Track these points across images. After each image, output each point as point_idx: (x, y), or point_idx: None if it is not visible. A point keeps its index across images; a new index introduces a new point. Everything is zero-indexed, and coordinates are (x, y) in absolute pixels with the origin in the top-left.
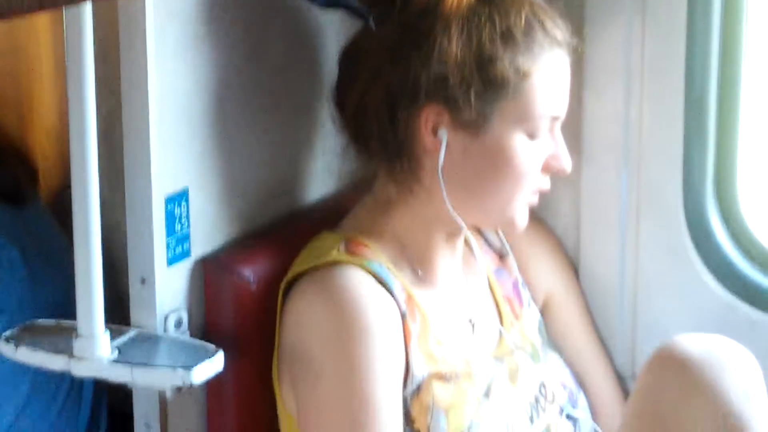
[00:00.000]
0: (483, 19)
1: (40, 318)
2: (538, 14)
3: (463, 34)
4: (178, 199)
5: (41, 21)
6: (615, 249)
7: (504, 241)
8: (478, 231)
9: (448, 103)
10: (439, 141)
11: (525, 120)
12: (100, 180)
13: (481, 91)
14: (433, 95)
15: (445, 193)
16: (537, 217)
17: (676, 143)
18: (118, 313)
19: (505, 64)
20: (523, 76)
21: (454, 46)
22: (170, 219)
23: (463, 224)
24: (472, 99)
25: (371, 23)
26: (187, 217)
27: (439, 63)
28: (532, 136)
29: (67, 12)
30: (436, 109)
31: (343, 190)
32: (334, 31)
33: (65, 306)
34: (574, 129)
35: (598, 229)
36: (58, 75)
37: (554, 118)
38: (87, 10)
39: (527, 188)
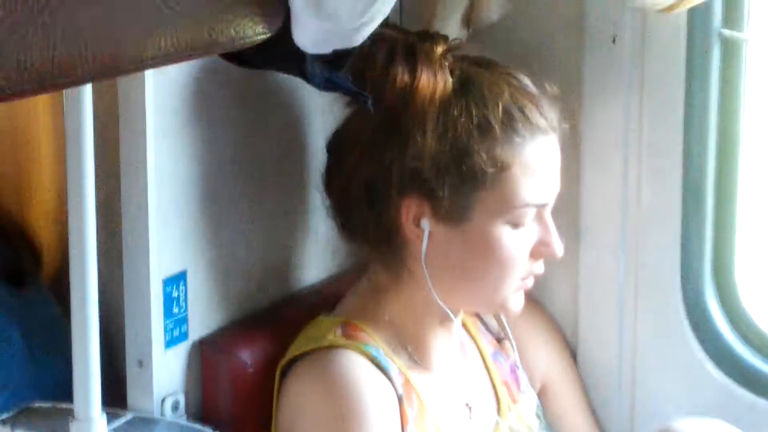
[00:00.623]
0: (459, 111)
1: (39, 398)
2: (518, 102)
3: (438, 127)
4: (176, 281)
5: (41, 102)
6: (613, 332)
7: (505, 324)
8: (476, 314)
9: (426, 196)
10: (422, 231)
11: (507, 210)
12: (98, 262)
13: (458, 183)
14: (410, 188)
15: (429, 283)
16: (534, 300)
17: (674, 225)
18: (115, 395)
19: (482, 156)
20: (501, 167)
21: (428, 140)
22: (168, 301)
23: (451, 313)
24: (450, 191)
25: (369, 106)
26: (185, 299)
27: (414, 158)
28: (516, 225)
29: (67, 93)
30: (417, 201)
31: (339, 274)
32: (331, 113)
33: (65, 387)
34: (571, 210)
35: (595, 313)
36: (58, 157)
37: (540, 206)
38: (87, 91)
39: (515, 276)
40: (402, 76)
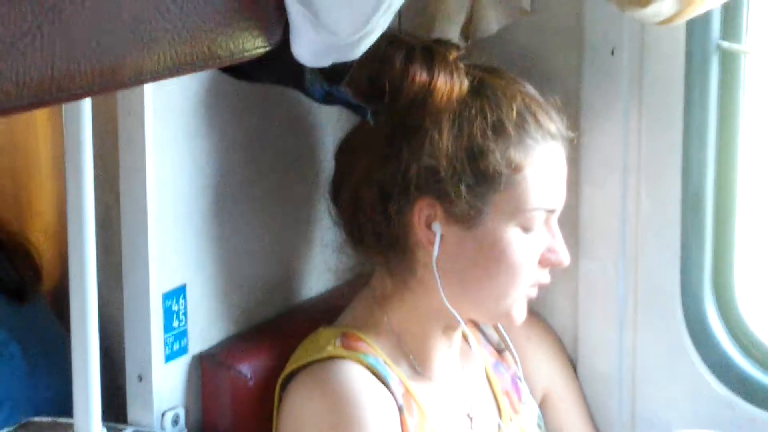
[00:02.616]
0: (474, 112)
1: (40, 413)
2: (530, 107)
3: (453, 127)
4: (176, 295)
5: (40, 116)
6: (613, 344)
7: (505, 335)
8: (476, 325)
9: (440, 197)
10: (433, 234)
11: (518, 213)
12: (98, 276)
13: (473, 184)
14: (425, 189)
15: (440, 286)
16: (535, 312)
17: (674, 238)
18: (115, 409)
19: (496, 157)
20: (515, 169)
21: (444, 139)
22: (168, 315)
23: (459, 317)
24: (464, 192)
25: (369, 118)
26: (185, 313)
27: (430, 156)
28: (526, 229)
29: (65, 107)
30: (429, 203)
31: (340, 286)
32: (331, 125)
33: (65, 402)
34: (571, 222)
35: (595, 324)
36: (57, 171)
37: (549, 211)
38: (86, 105)
39: (524, 282)
40: (420, 75)
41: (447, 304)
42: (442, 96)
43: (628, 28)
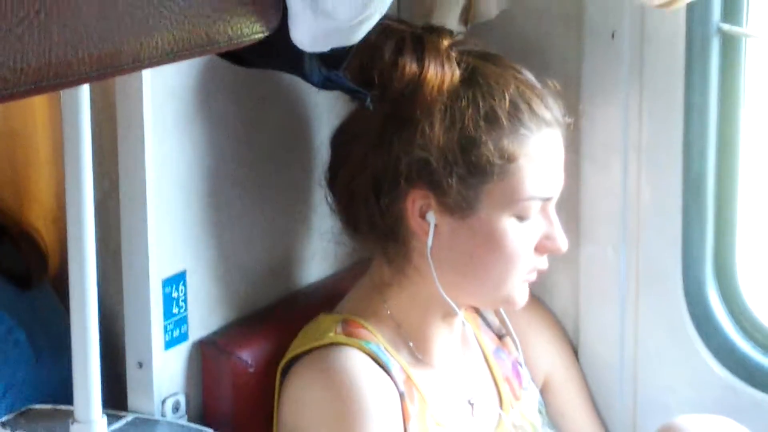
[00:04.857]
0: (466, 102)
1: (46, 399)
2: (524, 95)
3: (445, 118)
4: (176, 281)
5: (38, 103)
6: (614, 328)
7: (506, 320)
8: (477, 311)
9: (433, 187)
10: (428, 224)
11: (513, 203)
12: (97, 263)
13: (466, 174)
14: (417, 179)
15: (435, 276)
16: (535, 296)
17: (675, 221)
18: (115, 396)
19: (489, 147)
20: (508, 159)
21: (436, 130)
22: (167, 302)
23: (455, 306)
24: (457, 183)
25: (368, 104)
26: (185, 299)
27: (422, 148)
28: (521, 218)
29: (64, 94)
30: (422, 193)
31: (340, 272)
32: (330, 111)
33: (71, 387)
34: (572, 206)
35: (597, 308)
36: (55, 158)
37: (545, 200)
38: (84, 91)
39: (520, 270)
40: (410, 66)
41: (442, 293)
42: (433, 87)
43: (629, 11)
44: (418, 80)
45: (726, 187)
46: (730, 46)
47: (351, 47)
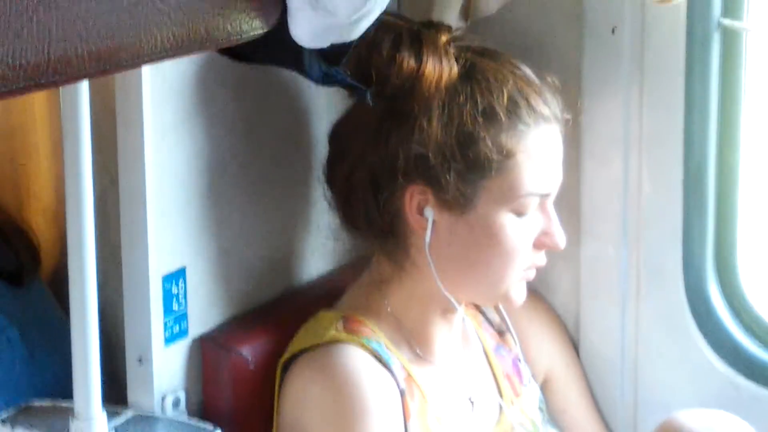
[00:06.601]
0: (464, 98)
1: (39, 397)
2: (523, 90)
3: (443, 114)
4: (176, 277)
5: (37, 99)
6: (615, 324)
7: (506, 317)
8: (477, 308)
9: (431, 183)
10: (425, 220)
11: (511, 199)
12: (96, 259)
13: (463, 170)
14: (415, 175)
15: (434, 272)
16: (536, 292)
17: (676, 216)
18: (115, 392)
19: (487, 143)
20: (506, 155)
21: (434, 126)
22: (167, 298)
23: (455, 302)
24: (455, 178)
25: (368, 99)
26: (185, 296)
27: (419, 144)
28: (519, 213)
29: (63, 90)
30: (420, 189)
31: (340, 268)
32: (329, 107)
33: (65, 385)
34: (572, 202)
35: (598, 304)
36: (54, 154)
37: (544, 195)
38: (83, 88)
39: (518, 266)
40: (408, 61)
41: (442, 288)
42: (431, 83)
43: (629, 6)
44: (416, 76)
45: (727, 182)
46: (730, 40)
47: (351, 43)
